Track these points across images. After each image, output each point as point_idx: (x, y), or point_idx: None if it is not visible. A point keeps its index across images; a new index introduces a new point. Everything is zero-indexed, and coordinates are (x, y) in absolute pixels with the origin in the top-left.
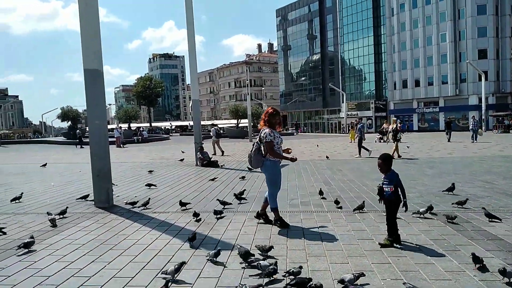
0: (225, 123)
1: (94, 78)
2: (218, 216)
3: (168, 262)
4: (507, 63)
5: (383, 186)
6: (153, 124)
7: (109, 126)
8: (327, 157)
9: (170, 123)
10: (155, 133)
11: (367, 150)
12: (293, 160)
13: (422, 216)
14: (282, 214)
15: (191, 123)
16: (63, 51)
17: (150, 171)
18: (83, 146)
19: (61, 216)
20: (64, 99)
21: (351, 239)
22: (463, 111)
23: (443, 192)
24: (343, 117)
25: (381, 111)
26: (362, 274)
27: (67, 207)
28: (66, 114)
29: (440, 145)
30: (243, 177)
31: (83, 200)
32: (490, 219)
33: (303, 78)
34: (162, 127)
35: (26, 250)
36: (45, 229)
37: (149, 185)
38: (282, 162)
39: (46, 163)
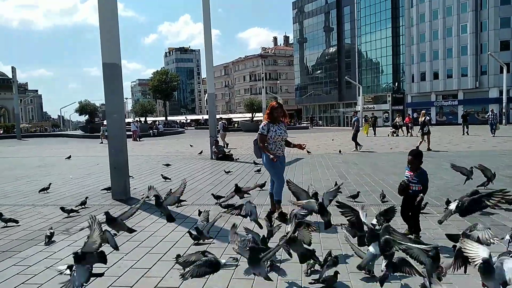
0: (240, 116)
1: (112, 72)
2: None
3: (184, 253)
4: None
5: (410, 184)
6: (168, 118)
7: (126, 120)
8: (340, 151)
9: (186, 117)
10: (170, 127)
11: (358, 144)
12: (275, 157)
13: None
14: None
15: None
16: (82, 46)
17: (167, 165)
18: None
19: (82, 207)
20: (82, 93)
21: None
22: (483, 104)
23: (478, 188)
24: (359, 111)
25: (399, 104)
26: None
27: (87, 197)
28: (84, 108)
29: (458, 139)
30: (258, 170)
31: (107, 191)
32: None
33: (318, 71)
34: (178, 121)
35: (47, 240)
36: (64, 221)
37: (164, 178)
38: (297, 156)
39: (70, 156)
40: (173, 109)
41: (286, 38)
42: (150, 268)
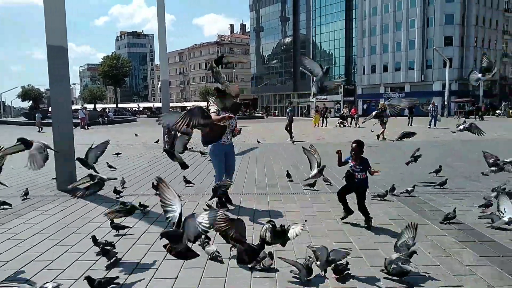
0: (194, 105)
1: (58, 55)
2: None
3: (133, 245)
4: (470, 51)
5: (355, 173)
6: (120, 105)
7: (73, 107)
8: (293, 141)
9: (138, 105)
10: (121, 115)
11: (291, 136)
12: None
13: (382, 199)
14: (250, 196)
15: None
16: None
17: (118, 154)
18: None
19: (25, 198)
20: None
21: (315, 219)
22: (427, 97)
23: (429, 174)
24: (313, 101)
25: (350, 95)
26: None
27: (27, 188)
28: (27, 94)
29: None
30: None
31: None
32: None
33: (274, 61)
34: (129, 109)
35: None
36: (3, 213)
37: (109, 166)
38: (251, 146)
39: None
40: (124, 96)
41: (243, 26)
42: (97, 261)
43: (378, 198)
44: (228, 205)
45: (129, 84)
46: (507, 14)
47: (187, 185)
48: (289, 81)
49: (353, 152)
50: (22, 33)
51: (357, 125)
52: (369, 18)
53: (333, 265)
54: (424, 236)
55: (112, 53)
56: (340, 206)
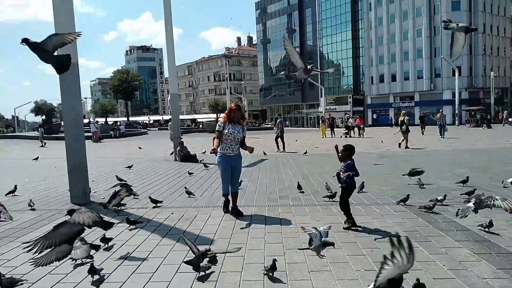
0: (204, 117)
1: (69, 71)
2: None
3: (146, 257)
4: (479, 59)
5: (340, 172)
6: (130, 119)
7: (85, 121)
8: (305, 153)
9: (148, 117)
10: (132, 128)
11: (278, 147)
12: (213, 151)
13: (403, 204)
14: (260, 208)
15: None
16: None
17: (129, 167)
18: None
19: (32, 208)
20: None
21: (328, 231)
22: (437, 106)
23: (456, 185)
24: (322, 112)
25: (359, 105)
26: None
27: (31, 200)
28: (40, 108)
29: (414, 139)
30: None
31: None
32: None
33: (282, 72)
34: (140, 121)
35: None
36: (19, 227)
37: (119, 179)
38: (262, 157)
39: (38, 157)
40: (135, 109)
41: (250, 39)
42: (111, 273)
43: (424, 210)
44: (239, 216)
45: (140, 97)
46: None
47: (189, 196)
48: (297, 92)
49: (340, 154)
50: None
51: (361, 136)
52: (375, 28)
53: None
54: (438, 248)
55: (122, 67)
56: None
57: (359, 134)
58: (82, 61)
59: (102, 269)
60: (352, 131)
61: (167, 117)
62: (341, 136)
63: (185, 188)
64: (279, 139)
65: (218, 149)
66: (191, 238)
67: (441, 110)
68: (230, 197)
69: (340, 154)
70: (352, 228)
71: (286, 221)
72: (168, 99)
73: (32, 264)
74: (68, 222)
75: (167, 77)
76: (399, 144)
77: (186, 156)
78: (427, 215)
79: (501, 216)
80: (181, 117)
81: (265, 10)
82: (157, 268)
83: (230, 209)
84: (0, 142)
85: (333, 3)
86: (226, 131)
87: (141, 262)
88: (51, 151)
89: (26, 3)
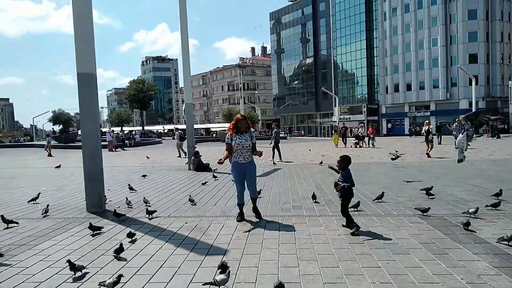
0: (218, 126)
1: (87, 82)
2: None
3: (160, 267)
4: (496, 68)
5: (339, 182)
6: (146, 128)
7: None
8: (321, 163)
9: (163, 127)
10: (147, 137)
11: (273, 157)
12: (220, 162)
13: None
14: (274, 218)
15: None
16: (54, 53)
17: (144, 176)
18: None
19: (46, 214)
20: (55, 102)
21: (342, 243)
22: (454, 115)
23: (491, 197)
24: (336, 121)
25: (373, 115)
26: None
27: (48, 205)
28: (58, 118)
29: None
30: (204, 183)
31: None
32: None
33: (296, 82)
34: (155, 131)
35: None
36: (36, 235)
37: (130, 188)
38: (275, 166)
39: (60, 165)
40: (150, 118)
41: (264, 49)
42: (126, 282)
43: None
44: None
45: (155, 107)
46: None
47: (192, 204)
48: (311, 101)
49: (337, 165)
50: (51, 60)
51: (370, 145)
52: (390, 38)
53: None
54: (456, 261)
55: (138, 77)
56: (366, 230)
57: (368, 144)
58: (99, 71)
59: (83, 266)
60: (362, 141)
61: (178, 126)
62: (351, 146)
63: (190, 195)
64: (275, 149)
65: (232, 159)
66: (205, 248)
67: (458, 119)
68: (244, 208)
69: (337, 165)
70: (364, 237)
71: (300, 232)
72: (183, 109)
73: None
74: None
75: (182, 87)
76: (428, 154)
77: (199, 165)
78: (444, 228)
79: None
80: (195, 126)
81: (279, 21)
82: (171, 278)
83: (244, 217)
84: (16, 151)
85: (348, 13)
86: (233, 142)
87: (155, 272)
88: (69, 160)
89: (46, 15)
